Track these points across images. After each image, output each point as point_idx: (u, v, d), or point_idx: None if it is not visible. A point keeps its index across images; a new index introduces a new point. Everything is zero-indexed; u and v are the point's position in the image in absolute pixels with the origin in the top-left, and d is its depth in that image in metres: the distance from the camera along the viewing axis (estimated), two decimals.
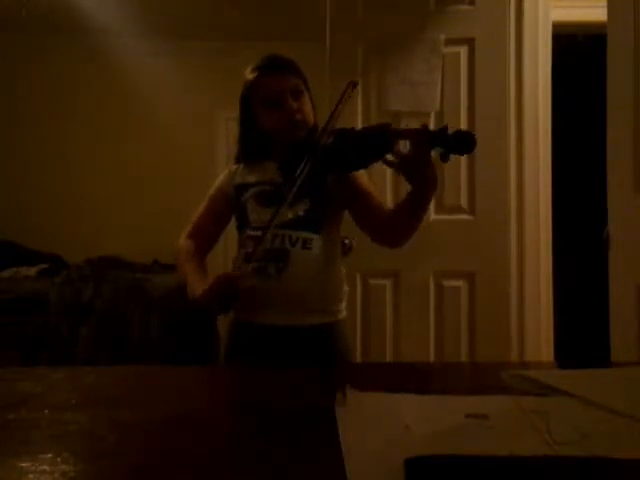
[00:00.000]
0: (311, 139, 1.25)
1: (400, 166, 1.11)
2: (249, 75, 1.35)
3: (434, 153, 1.08)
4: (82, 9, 3.26)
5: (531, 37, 2.40)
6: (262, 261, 1.26)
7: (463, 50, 2.25)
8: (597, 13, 2.19)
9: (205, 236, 1.42)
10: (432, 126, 2.28)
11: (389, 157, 1.12)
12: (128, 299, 2.95)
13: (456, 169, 2.25)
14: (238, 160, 1.43)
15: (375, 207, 1.31)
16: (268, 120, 1.33)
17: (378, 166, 1.17)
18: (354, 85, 1.27)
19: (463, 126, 2.26)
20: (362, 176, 1.36)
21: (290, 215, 1.29)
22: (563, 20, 2.52)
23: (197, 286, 1.25)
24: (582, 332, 2.74)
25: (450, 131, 1.04)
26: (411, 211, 1.19)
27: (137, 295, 2.97)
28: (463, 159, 2.25)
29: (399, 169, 1.12)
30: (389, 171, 2.17)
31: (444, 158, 1.05)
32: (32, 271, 3.25)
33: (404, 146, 1.12)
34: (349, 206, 1.35)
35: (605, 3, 1.83)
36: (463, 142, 1.03)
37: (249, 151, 1.40)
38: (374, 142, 1.13)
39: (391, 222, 1.25)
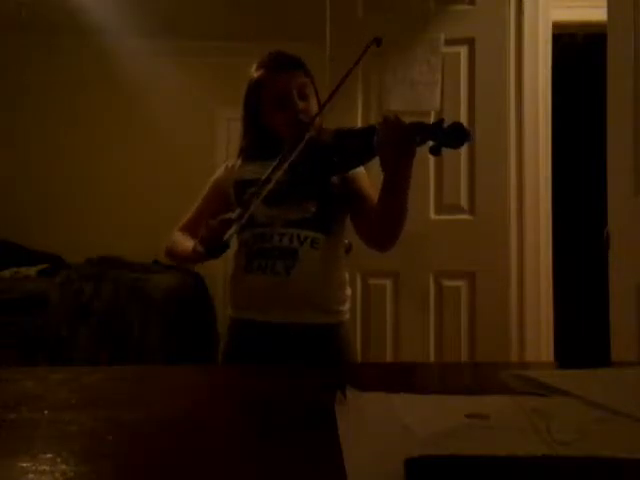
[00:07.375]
0: (313, 138, 1.24)
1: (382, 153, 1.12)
2: (255, 73, 1.33)
3: (421, 147, 1.08)
4: (82, 9, 3.26)
5: (531, 37, 2.40)
6: (271, 259, 1.26)
7: (463, 50, 2.25)
8: (597, 13, 2.19)
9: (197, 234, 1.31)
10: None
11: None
12: (128, 299, 2.95)
13: (456, 169, 2.26)
14: (240, 155, 1.40)
15: (369, 211, 1.28)
16: (275, 119, 1.32)
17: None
18: (378, 42, 1.24)
19: None
20: (363, 179, 1.34)
21: (299, 215, 1.28)
22: (563, 20, 2.53)
23: (188, 245, 1.26)
24: (582, 332, 2.74)
25: (445, 124, 1.03)
26: (387, 205, 1.19)
27: (137, 295, 2.97)
28: (463, 160, 2.25)
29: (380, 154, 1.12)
30: None
31: (435, 151, 1.05)
32: (32, 271, 3.25)
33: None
34: (350, 208, 1.34)
35: (605, 3, 1.83)
36: (456, 136, 1.03)
37: (253, 148, 1.38)
38: (371, 140, 1.13)
39: (375, 223, 1.25)
